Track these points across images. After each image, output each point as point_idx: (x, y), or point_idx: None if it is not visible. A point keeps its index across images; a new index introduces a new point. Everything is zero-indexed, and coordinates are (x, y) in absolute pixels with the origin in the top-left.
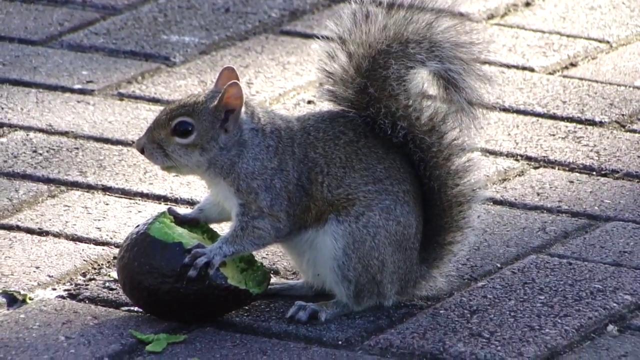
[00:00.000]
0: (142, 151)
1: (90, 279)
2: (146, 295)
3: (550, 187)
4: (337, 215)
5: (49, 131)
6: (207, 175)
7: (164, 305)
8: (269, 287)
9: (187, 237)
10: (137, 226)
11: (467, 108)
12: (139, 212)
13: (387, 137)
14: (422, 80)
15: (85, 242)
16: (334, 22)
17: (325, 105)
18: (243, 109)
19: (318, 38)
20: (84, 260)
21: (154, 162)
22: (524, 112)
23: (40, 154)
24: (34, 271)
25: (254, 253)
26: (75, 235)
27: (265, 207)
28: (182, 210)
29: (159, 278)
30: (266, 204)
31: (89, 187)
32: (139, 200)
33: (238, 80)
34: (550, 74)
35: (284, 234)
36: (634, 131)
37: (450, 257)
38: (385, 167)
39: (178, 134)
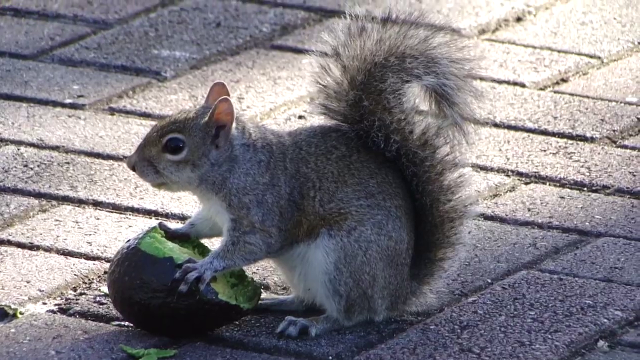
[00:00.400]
0: (133, 169)
1: (81, 294)
2: (137, 310)
3: (541, 203)
4: (329, 230)
5: (39, 145)
6: (199, 191)
7: (154, 320)
8: (260, 302)
9: (178, 252)
10: (128, 241)
11: (460, 123)
12: (130, 226)
13: (380, 151)
14: (414, 95)
15: (76, 257)
16: (327, 35)
17: (317, 120)
18: (234, 125)
19: (311, 52)
20: (75, 274)
21: (146, 180)
22: (515, 128)
23: (31, 169)
24: (25, 285)
25: (244, 268)
26: (66, 249)
27: (257, 222)
28: (173, 225)
29: (150, 293)
30: (258, 219)
31: (79, 202)
32: (130, 214)
33: (229, 95)
34: (541, 89)
35: (276, 249)
36: (625, 147)
37: (441, 274)
38: (378, 182)
39: (169, 151)
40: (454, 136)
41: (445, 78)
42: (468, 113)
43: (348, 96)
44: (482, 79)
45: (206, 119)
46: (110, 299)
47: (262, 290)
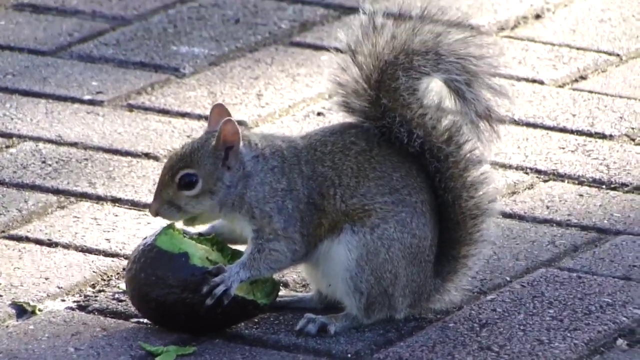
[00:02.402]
0: (157, 214)
1: (100, 291)
2: (153, 307)
3: (560, 201)
4: (352, 226)
5: (58, 142)
6: (224, 215)
7: (171, 316)
8: (278, 299)
9: (194, 247)
10: (145, 238)
11: (475, 120)
12: (148, 223)
13: (403, 147)
14: (437, 90)
15: (94, 254)
16: (343, 32)
17: (336, 118)
18: (241, 143)
19: (329, 50)
20: (93, 271)
21: (173, 220)
22: (534, 125)
23: (50, 165)
24: (43, 282)
25: None
26: (85, 246)
27: (279, 230)
28: (193, 229)
29: (166, 289)
30: (280, 226)
31: (98, 199)
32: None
33: (229, 115)
34: (560, 86)
35: (301, 255)
36: None
37: (465, 271)
38: (402, 176)
39: (184, 188)
40: (470, 133)
41: (456, 74)
42: (482, 110)
43: (367, 94)
44: (500, 76)
45: (214, 143)
46: (128, 296)
47: (280, 287)
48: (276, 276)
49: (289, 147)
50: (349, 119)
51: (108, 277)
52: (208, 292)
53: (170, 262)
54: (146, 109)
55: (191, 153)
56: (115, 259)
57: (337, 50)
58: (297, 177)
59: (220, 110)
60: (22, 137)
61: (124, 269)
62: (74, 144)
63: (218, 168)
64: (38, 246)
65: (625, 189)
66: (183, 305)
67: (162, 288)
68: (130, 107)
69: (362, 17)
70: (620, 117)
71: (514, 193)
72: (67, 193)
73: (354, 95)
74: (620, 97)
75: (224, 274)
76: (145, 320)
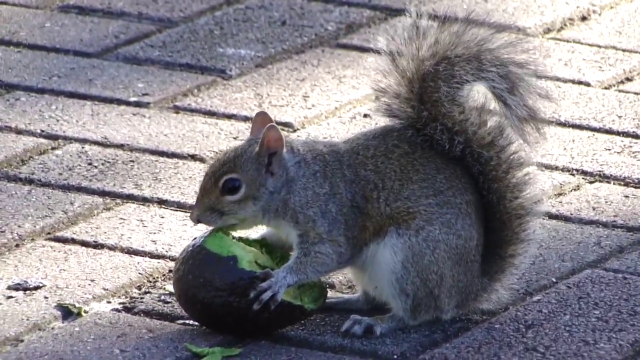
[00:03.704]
0: (198, 221)
1: (146, 292)
2: (200, 309)
3: (606, 202)
4: (397, 228)
5: (104, 144)
6: (267, 222)
7: (217, 318)
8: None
9: (243, 251)
10: (194, 239)
11: (518, 124)
12: (194, 225)
13: (445, 152)
14: (483, 94)
15: (140, 255)
16: (387, 36)
17: (382, 120)
18: (284, 149)
19: (375, 51)
20: (139, 273)
21: (214, 226)
22: (580, 127)
23: (96, 167)
24: (89, 284)
25: None
26: (131, 248)
27: (324, 233)
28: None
29: (212, 291)
30: (324, 230)
31: (144, 200)
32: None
33: (272, 121)
34: (606, 88)
35: (346, 258)
36: None
37: (512, 270)
38: (446, 177)
39: (228, 193)
40: (515, 135)
41: (497, 82)
42: (525, 114)
43: (409, 99)
44: (546, 78)
45: (257, 149)
46: (175, 297)
47: (327, 291)
48: (323, 279)
49: (331, 151)
50: (392, 122)
51: (154, 278)
52: (255, 297)
53: (219, 265)
54: (192, 111)
55: (235, 158)
56: (161, 261)
57: (380, 53)
58: (340, 181)
59: (263, 118)
60: (68, 139)
61: (169, 271)
62: (120, 146)
63: (261, 174)
64: (84, 248)
65: None
66: (230, 308)
67: (209, 290)
68: (177, 109)
69: (406, 20)
70: None
71: (560, 194)
72: (113, 195)
73: (396, 100)
74: None
75: (271, 279)
76: (191, 322)
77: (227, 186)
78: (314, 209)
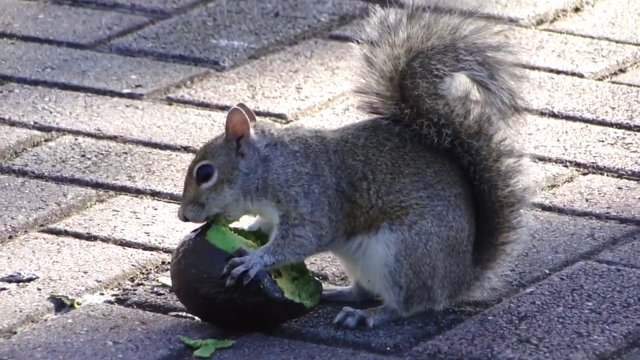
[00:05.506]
0: (185, 219)
1: (139, 284)
2: (202, 303)
3: (599, 194)
4: (391, 224)
5: (97, 135)
6: (251, 205)
7: (219, 314)
8: None
9: (241, 244)
10: (196, 230)
11: (503, 109)
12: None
13: (434, 145)
14: (464, 82)
15: (133, 247)
16: (363, 32)
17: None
18: (252, 131)
19: (357, 42)
20: (132, 265)
21: (199, 219)
22: (573, 118)
23: (89, 159)
24: (82, 276)
25: (305, 261)
26: (124, 240)
27: (306, 214)
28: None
29: (216, 287)
30: (307, 210)
31: (137, 192)
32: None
33: (252, 116)
34: (599, 79)
35: (327, 241)
36: None
37: (504, 257)
38: (436, 171)
39: (202, 180)
40: (499, 122)
41: (476, 70)
42: (508, 98)
43: (392, 99)
44: (539, 69)
45: (224, 135)
46: (172, 289)
47: (322, 286)
48: (316, 270)
49: (315, 136)
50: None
51: (147, 270)
52: (227, 272)
53: (224, 261)
54: (185, 103)
55: (205, 147)
56: (154, 253)
57: (355, 55)
58: (325, 165)
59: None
60: (61, 131)
61: (163, 263)
62: (113, 138)
63: (232, 158)
64: (77, 240)
65: None
66: (233, 305)
67: (212, 286)
68: (170, 101)
69: (373, 18)
70: None
71: (553, 186)
72: (106, 187)
73: (378, 98)
74: None
75: (245, 256)
76: (184, 314)
77: (201, 173)
78: (296, 188)
